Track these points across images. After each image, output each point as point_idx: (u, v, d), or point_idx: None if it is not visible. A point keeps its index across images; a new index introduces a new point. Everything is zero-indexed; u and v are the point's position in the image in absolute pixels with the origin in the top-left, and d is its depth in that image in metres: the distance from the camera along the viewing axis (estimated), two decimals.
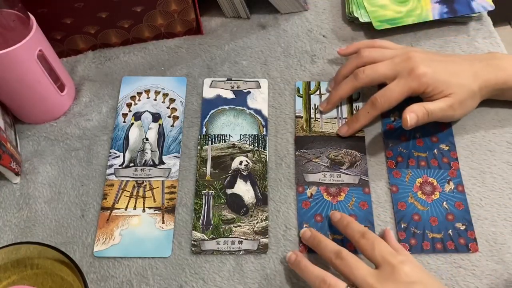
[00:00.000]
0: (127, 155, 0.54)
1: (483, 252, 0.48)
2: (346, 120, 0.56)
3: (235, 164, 0.53)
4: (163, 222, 0.50)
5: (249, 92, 0.58)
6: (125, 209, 0.51)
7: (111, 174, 0.53)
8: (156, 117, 0.57)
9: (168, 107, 0.57)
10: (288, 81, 0.60)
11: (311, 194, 0.51)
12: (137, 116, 0.57)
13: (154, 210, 0.51)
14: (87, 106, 0.58)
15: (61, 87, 0.55)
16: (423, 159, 0.53)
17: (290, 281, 0.47)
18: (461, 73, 0.51)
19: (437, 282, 0.42)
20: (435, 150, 0.54)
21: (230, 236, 0.49)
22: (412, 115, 0.49)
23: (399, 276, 0.40)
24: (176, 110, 0.57)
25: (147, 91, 0.59)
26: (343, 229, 0.47)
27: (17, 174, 0.52)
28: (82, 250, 0.49)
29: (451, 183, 0.52)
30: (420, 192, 0.51)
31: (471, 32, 0.63)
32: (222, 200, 0.51)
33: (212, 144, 0.55)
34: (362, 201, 0.51)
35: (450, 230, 0.49)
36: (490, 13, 0.64)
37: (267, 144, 0.55)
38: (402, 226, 0.49)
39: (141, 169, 0.53)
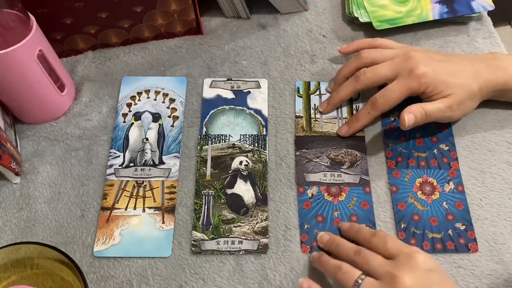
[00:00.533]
0: (127, 155, 0.54)
1: (483, 252, 0.48)
2: (346, 120, 0.56)
3: (235, 164, 0.53)
4: (163, 222, 0.50)
5: (249, 92, 0.58)
6: (125, 209, 0.51)
7: (111, 174, 0.53)
8: (156, 117, 0.57)
9: (168, 107, 0.57)
10: (288, 81, 0.60)
11: (312, 194, 0.51)
12: (137, 116, 0.57)
13: (154, 210, 0.51)
14: (87, 106, 0.58)
15: (61, 87, 0.55)
16: (423, 159, 0.53)
17: (290, 281, 0.47)
18: (461, 72, 0.51)
19: (448, 275, 0.43)
20: (435, 150, 0.54)
21: (230, 236, 0.49)
22: (410, 115, 0.49)
23: (416, 263, 0.40)
24: (176, 110, 0.57)
25: (147, 91, 0.59)
26: (354, 235, 0.47)
27: (17, 174, 0.52)
28: (82, 250, 0.49)
29: (451, 183, 0.52)
30: (420, 192, 0.51)
31: (471, 32, 0.63)
32: (222, 200, 0.51)
33: (212, 144, 0.55)
34: (363, 200, 0.51)
35: (450, 230, 0.49)
36: (490, 13, 0.64)
37: (267, 144, 0.55)
38: (402, 226, 0.49)
39: (141, 169, 0.53)
